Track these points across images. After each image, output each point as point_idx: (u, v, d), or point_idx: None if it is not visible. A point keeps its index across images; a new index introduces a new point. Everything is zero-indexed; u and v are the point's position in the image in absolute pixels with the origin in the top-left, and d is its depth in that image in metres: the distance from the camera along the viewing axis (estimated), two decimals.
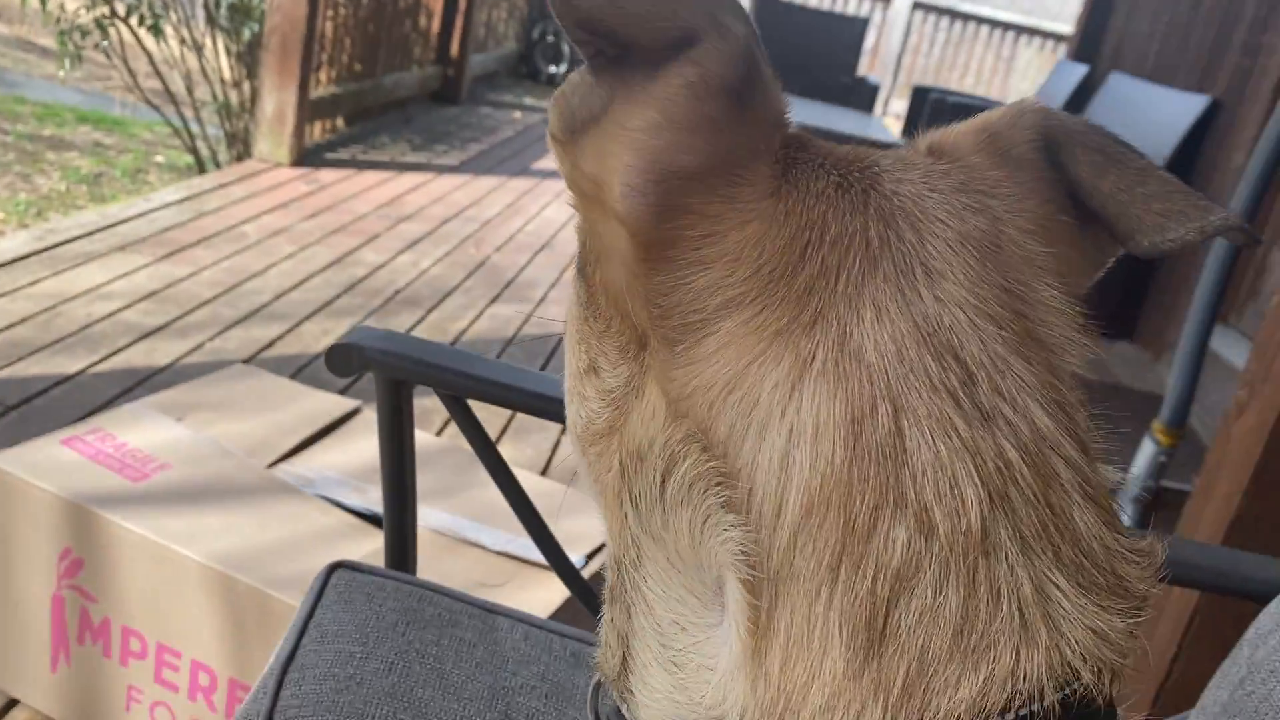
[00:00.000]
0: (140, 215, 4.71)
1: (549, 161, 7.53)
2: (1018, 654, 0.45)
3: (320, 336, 3.85)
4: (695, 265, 0.51)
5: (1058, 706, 0.45)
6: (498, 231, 5.58)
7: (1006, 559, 0.47)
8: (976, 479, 0.47)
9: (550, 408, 1.14)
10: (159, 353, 3.49)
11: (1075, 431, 0.52)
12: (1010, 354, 0.51)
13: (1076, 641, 0.47)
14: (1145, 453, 2.29)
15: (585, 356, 0.59)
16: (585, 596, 1.23)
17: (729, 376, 0.50)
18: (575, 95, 0.54)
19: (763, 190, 0.52)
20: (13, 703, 2.01)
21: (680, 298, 0.51)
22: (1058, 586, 0.47)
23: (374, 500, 1.91)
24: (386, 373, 1.13)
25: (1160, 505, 2.33)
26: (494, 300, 4.56)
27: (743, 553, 0.48)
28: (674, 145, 0.50)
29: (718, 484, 0.50)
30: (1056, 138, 0.64)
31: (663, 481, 0.52)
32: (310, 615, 1.11)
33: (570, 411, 0.62)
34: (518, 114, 9.19)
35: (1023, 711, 0.45)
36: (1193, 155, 5.21)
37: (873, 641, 0.45)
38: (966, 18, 12.90)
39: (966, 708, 0.45)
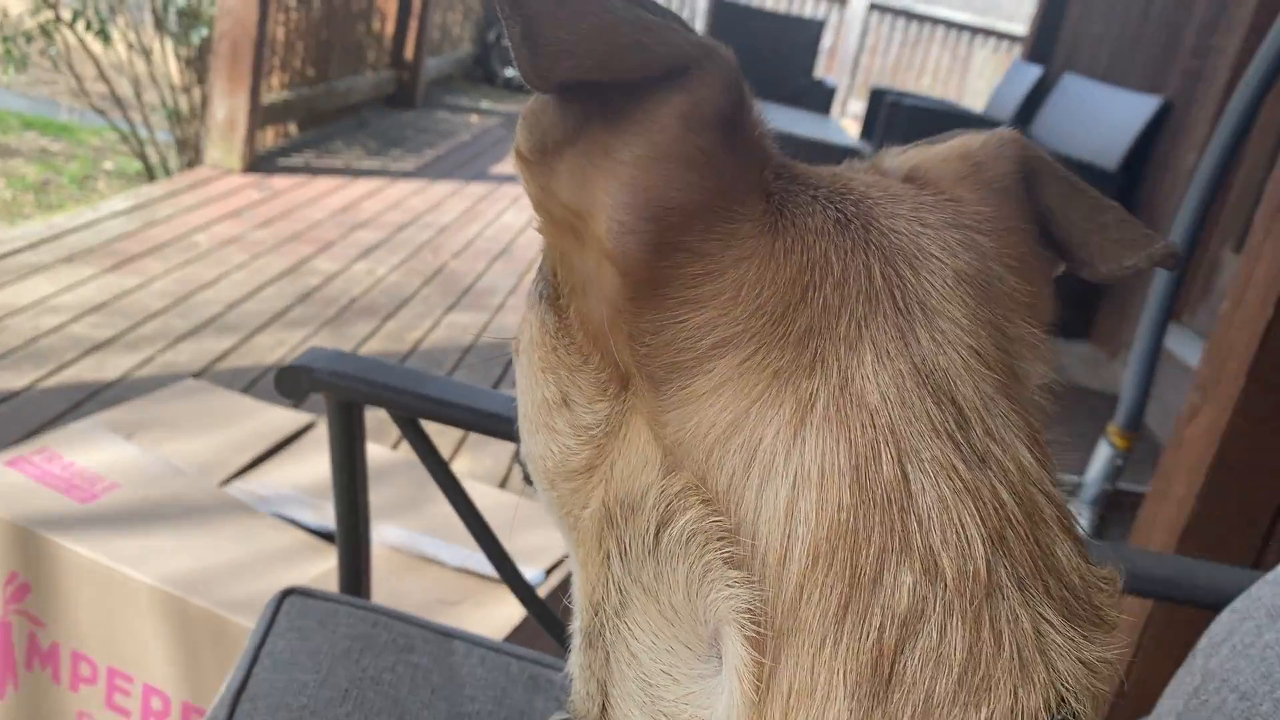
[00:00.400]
0: (88, 225, 4.63)
1: (506, 166, 7.50)
2: (1016, 693, 0.46)
3: (274, 348, 3.79)
4: (689, 304, 0.49)
5: None
6: (455, 238, 5.54)
7: (1006, 599, 0.47)
8: (979, 521, 0.47)
9: (503, 428, 1.12)
10: (108, 367, 3.43)
11: (1048, 464, 0.52)
12: (997, 394, 0.51)
13: (1069, 675, 0.47)
14: (1101, 456, 2.31)
15: (554, 388, 0.56)
16: (543, 617, 1.22)
17: (727, 421, 0.49)
18: (546, 114, 0.50)
19: (759, 226, 0.50)
20: None
21: (670, 337, 0.50)
22: (1050, 623, 0.48)
23: (330, 516, 1.88)
24: (337, 395, 1.11)
25: (1116, 508, 2.35)
26: (451, 308, 4.53)
27: (747, 610, 0.47)
28: (667, 180, 0.48)
29: (720, 539, 0.48)
30: (1033, 167, 0.65)
31: (657, 534, 0.50)
32: (262, 643, 1.08)
33: (534, 443, 0.59)
34: (474, 118, 9.15)
35: None
36: (1144, 155, 5.28)
37: (878, 689, 0.45)
38: (922, 19, 13.00)
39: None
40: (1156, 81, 5.45)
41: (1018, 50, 10.97)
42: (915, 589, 0.45)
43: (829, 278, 0.50)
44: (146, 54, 5.81)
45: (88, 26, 5.53)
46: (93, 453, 2.00)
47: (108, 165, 6.33)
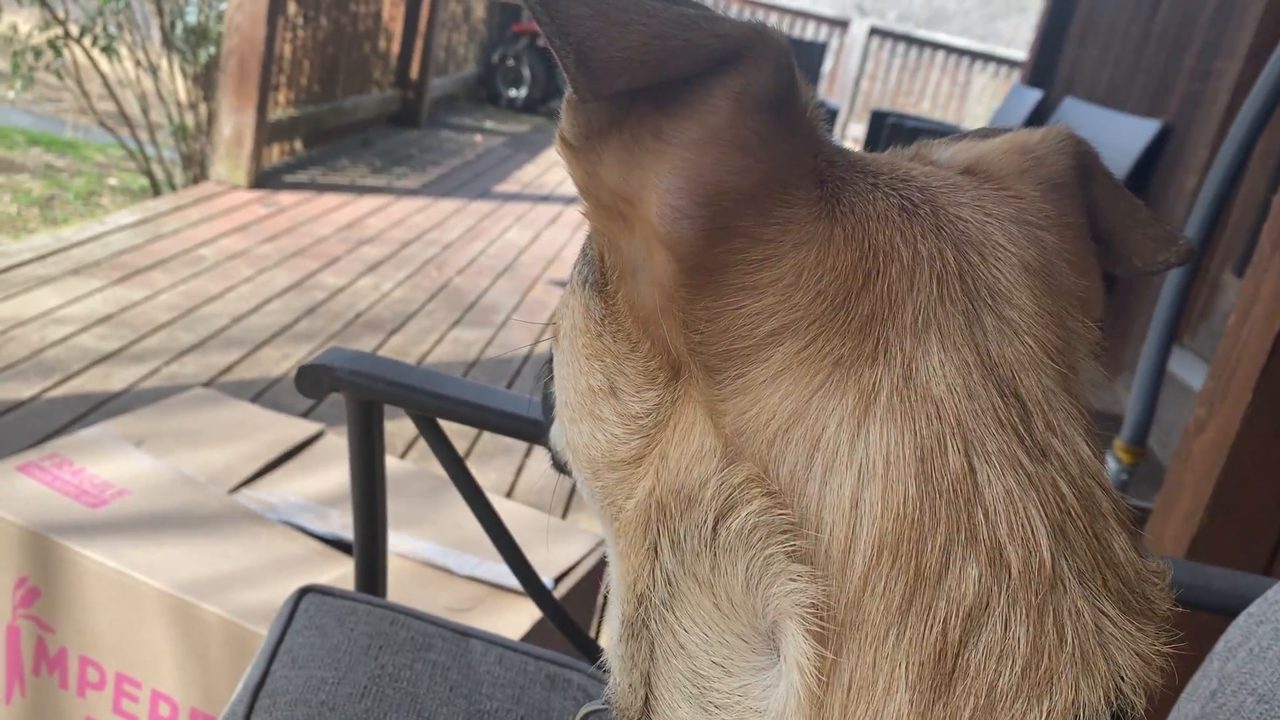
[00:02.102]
0: (94, 238, 4.65)
1: (510, 185, 7.53)
2: (1077, 686, 0.46)
3: (280, 361, 3.80)
4: (746, 290, 0.49)
5: None
6: (459, 254, 5.56)
7: (1069, 592, 0.47)
8: (1043, 514, 0.47)
9: (523, 427, 1.13)
10: (114, 378, 3.44)
11: (1101, 457, 0.53)
12: (1058, 387, 0.52)
13: (1127, 668, 0.48)
14: (1106, 471, 2.31)
15: (600, 376, 0.56)
16: (560, 620, 1.22)
17: (789, 411, 0.48)
18: None
19: (814, 211, 0.50)
20: None
21: (726, 324, 0.49)
22: (1108, 616, 0.48)
23: (338, 526, 1.89)
24: (357, 394, 1.12)
25: None
26: (456, 324, 4.54)
27: (811, 605, 0.47)
28: (721, 163, 0.47)
29: (783, 533, 0.48)
30: (1087, 164, 0.66)
31: (715, 526, 0.50)
32: (280, 640, 1.09)
33: (577, 431, 0.58)
34: (478, 137, 9.19)
35: None
36: (1145, 179, 5.30)
37: (940, 682, 0.45)
38: (923, 44, 13.09)
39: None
40: (1156, 105, 5.49)
41: (1016, 75, 11.05)
42: (980, 581, 0.46)
43: (894, 264, 0.49)
44: (154, 71, 5.85)
45: (95, 43, 5.56)
46: (103, 460, 2.00)
47: (112, 181, 6.35)
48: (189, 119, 5.97)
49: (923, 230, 0.51)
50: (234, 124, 5.74)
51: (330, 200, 6.02)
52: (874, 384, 0.48)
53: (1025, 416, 0.49)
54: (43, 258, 4.29)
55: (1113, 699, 0.47)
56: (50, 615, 1.81)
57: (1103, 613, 0.48)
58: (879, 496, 0.46)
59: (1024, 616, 0.46)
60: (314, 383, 1.10)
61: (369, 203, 6.17)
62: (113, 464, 1.99)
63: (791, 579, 0.47)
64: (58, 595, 1.79)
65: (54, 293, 3.97)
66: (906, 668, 0.45)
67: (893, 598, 0.46)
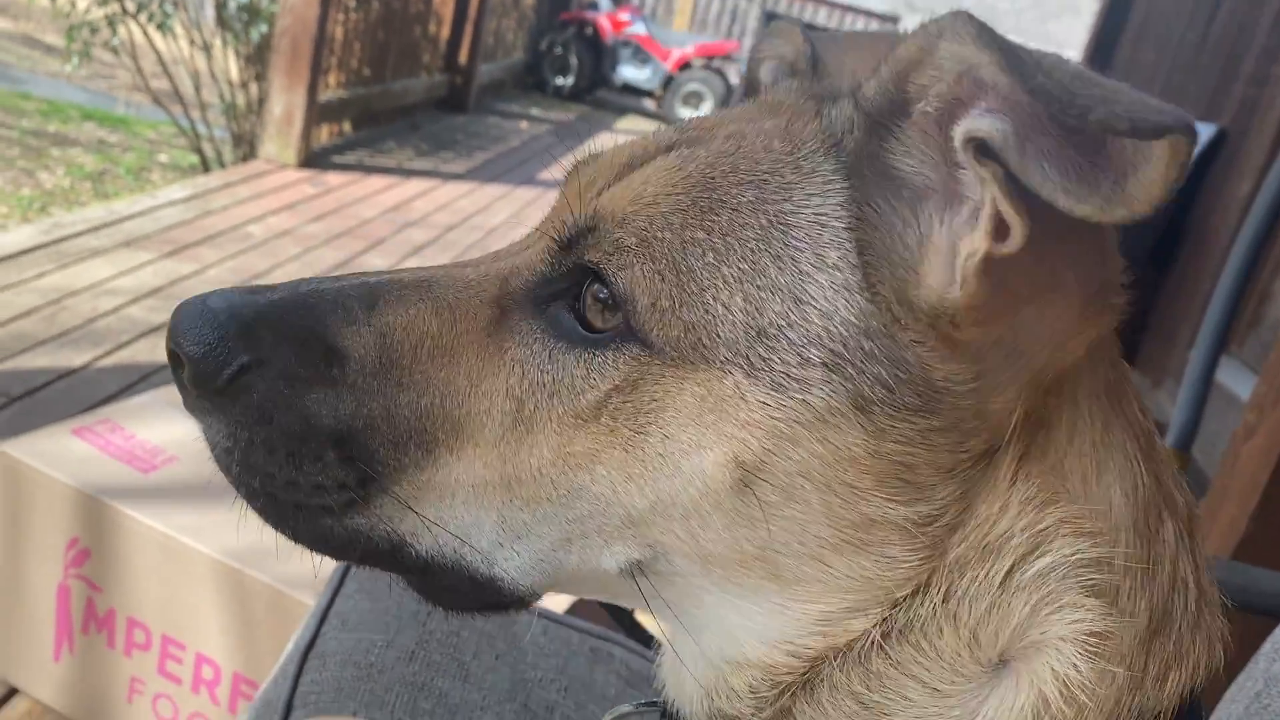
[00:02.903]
0: (145, 212, 4.72)
1: (554, 172, 7.54)
2: (1211, 643, 0.68)
3: None
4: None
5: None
6: (502, 240, 5.56)
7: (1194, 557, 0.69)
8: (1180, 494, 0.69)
9: None
10: (162, 349, 3.46)
11: None
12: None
13: (1219, 637, 0.68)
14: None
15: (878, 501, 0.64)
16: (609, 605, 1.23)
17: (1099, 460, 0.66)
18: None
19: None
20: (12, 692, 2.00)
21: (1090, 386, 0.67)
22: (1205, 592, 0.69)
23: None
24: None
25: None
26: None
27: (1093, 634, 0.63)
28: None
29: (1085, 567, 0.63)
30: None
31: (1009, 571, 0.63)
32: (331, 603, 1.11)
33: (812, 569, 0.66)
34: (524, 124, 9.22)
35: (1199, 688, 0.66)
36: (1198, 183, 5.23)
37: (1155, 630, 0.65)
38: None
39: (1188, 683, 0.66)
40: (1212, 111, 5.41)
41: None
42: (1178, 540, 0.67)
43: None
44: (207, 49, 5.92)
45: (150, 19, 5.63)
46: (153, 426, 2.04)
47: (162, 158, 6.44)
48: (240, 98, 6.04)
49: None
50: (284, 103, 5.80)
51: (377, 182, 6.07)
52: (1124, 434, 0.67)
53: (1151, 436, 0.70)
54: (95, 230, 4.36)
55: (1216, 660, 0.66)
56: (100, 576, 1.84)
57: (1208, 584, 0.69)
58: (1171, 534, 0.67)
59: (1189, 562, 0.68)
60: None
61: (415, 186, 6.22)
62: (163, 431, 2.02)
63: (1077, 609, 0.63)
64: (108, 557, 1.82)
65: (106, 264, 4.04)
66: (1134, 636, 0.64)
67: (1140, 627, 0.64)
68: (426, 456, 0.69)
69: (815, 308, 0.64)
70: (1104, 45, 7.63)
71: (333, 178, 5.91)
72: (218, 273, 4.22)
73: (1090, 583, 0.63)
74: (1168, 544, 0.67)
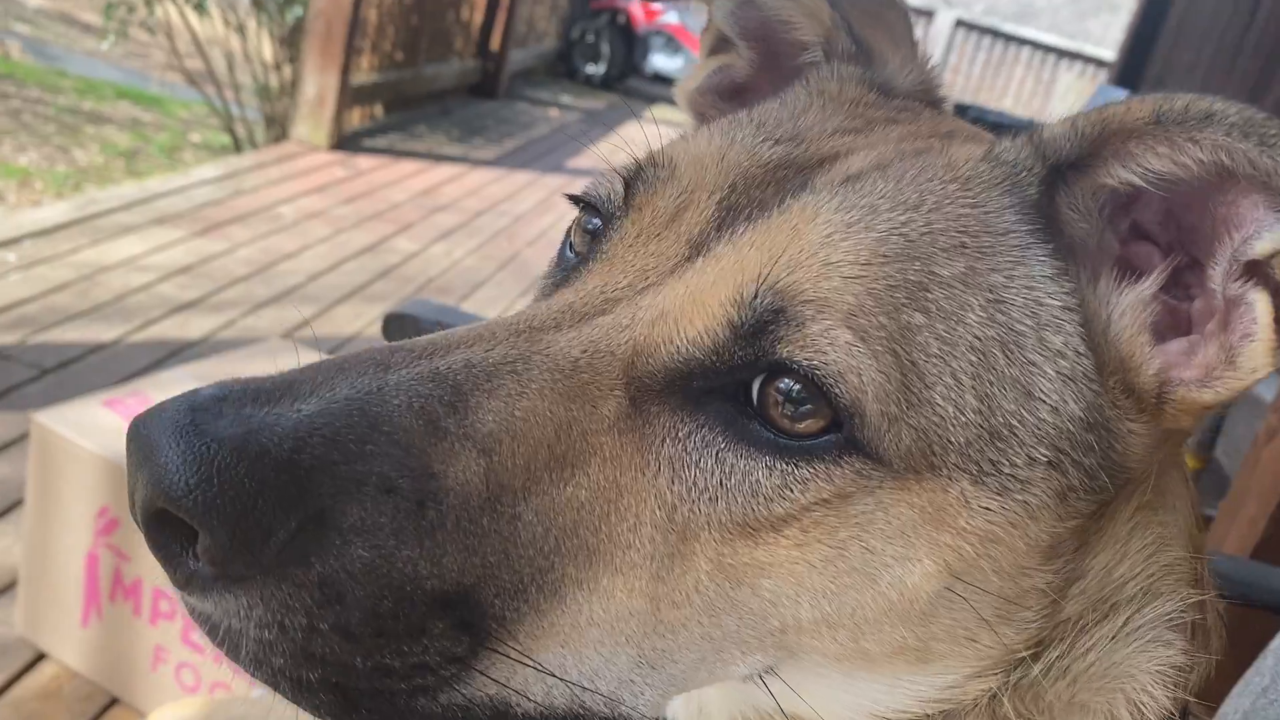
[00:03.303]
0: (178, 191, 4.77)
1: (583, 160, 7.58)
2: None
3: (352, 320, 3.88)
4: None
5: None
6: (530, 226, 5.61)
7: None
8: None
9: None
10: (192, 326, 3.54)
11: None
12: None
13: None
14: None
15: (1019, 588, 0.61)
16: None
17: (1189, 495, 0.68)
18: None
19: None
20: (40, 656, 2.05)
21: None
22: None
23: None
24: None
25: None
26: (524, 293, 4.59)
27: (1174, 667, 0.63)
28: None
29: (1180, 611, 0.64)
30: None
31: (1126, 621, 0.63)
32: None
33: (945, 657, 0.63)
34: (555, 111, 9.24)
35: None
36: None
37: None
38: (1009, 38, 12.88)
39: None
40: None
41: (1104, 75, 10.84)
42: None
43: None
44: (241, 30, 5.96)
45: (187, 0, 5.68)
46: None
47: (195, 137, 6.49)
48: (273, 79, 6.08)
49: None
50: (317, 86, 5.84)
51: (407, 166, 6.11)
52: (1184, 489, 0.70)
53: None
54: (128, 207, 4.41)
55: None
56: (128, 545, 1.88)
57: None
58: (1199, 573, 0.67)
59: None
60: (399, 328, 1.14)
61: (445, 171, 6.25)
62: None
63: (1169, 646, 0.63)
64: (136, 527, 1.85)
65: (138, 241, 4.09)
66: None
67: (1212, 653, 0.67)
68: (550, 599, 0.55)
69: (1046, 402, 0.58)
70: (1141, 43, 7.55)
71: (363, 161, 5.95)
72: (248, 252, 4.26)
73: (1183, 622, 0.64)
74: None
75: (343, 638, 0.50)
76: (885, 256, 0.58)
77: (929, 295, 0.58)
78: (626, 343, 0.59)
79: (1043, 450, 0.58)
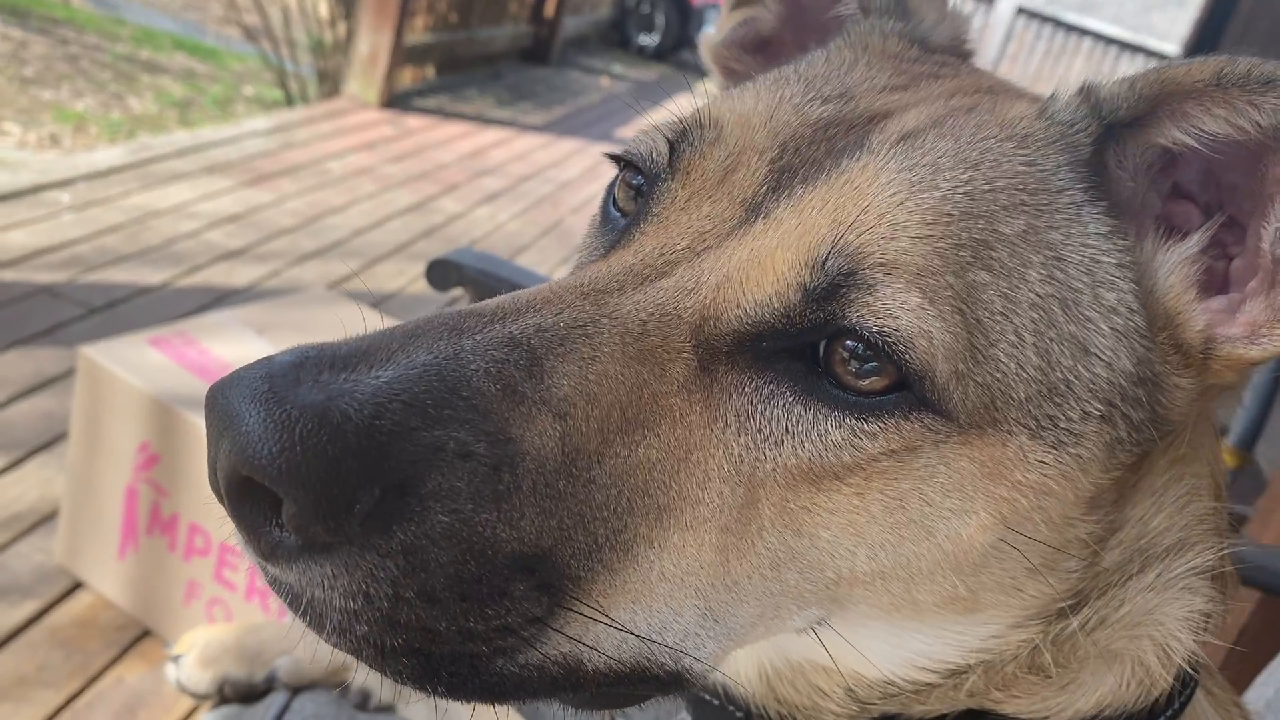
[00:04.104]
0: (230, 141, 4.81)
1: (631, 130, 7.53)
2: None
3: (394, 277, 3.91)
4: None
5: None
6: (575, 194, 5.62)
7: None
8: None
9: None
10: (238, 274, 3.58)
11: None
12: None
13: None
14: None
15: (1064, 538, 0.62)
16: None
17: (1215, 446, 0.68)
18: None
19: None
20: (77, 585, 2.09)
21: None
22: None
23: None
24: (480, 291, 1.16)
25: None
26: (565, 260, 4.60)
27: (1204, 613, 0.64)
28: None
29: (1217, 562, 0.65)
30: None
31: (1162, 566, 0.64)
32: None
33: (1004, 613, 0.65)
34: (605, 80, 9.21)
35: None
36: None
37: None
38: (1070, 28, 12.67)
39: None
40: None
41: None
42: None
43: None
44: None
45: None
46: (227, 343, 2.10)
47: (248, 91, 6.54)
48: (327, 35, 6.11)
49: None
50: (371, 44, 5.86)
51: (456, 128, 6.12)
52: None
53: None
54: (181, 154, 4.46)
55: None
56: (167, 481, 1.91)
57: None
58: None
59: None
60: (443, 275, 1.16)
61: (493, 134, 6.26)
62: (235, 348, 2.08)
63: (1197, 594, 0.64)
64: (175, 463, 1.89)
65: (188, 188, 4.14)
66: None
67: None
68: (623, 557, 0.56)
69: (1100, 358, 0.59)
70: (1206, 40, 7.40)
71: (413, 120, 5.97)
72: (295, 204, 4.30)
73: (1211, 571, 0.65)
74: None
75: (427, 603, 0.51)
76: (950, 215, 0.58)
77: (993, 253, 0.58)
78: (693, 306, 0.59)
79: (1096, 404, 0.59)
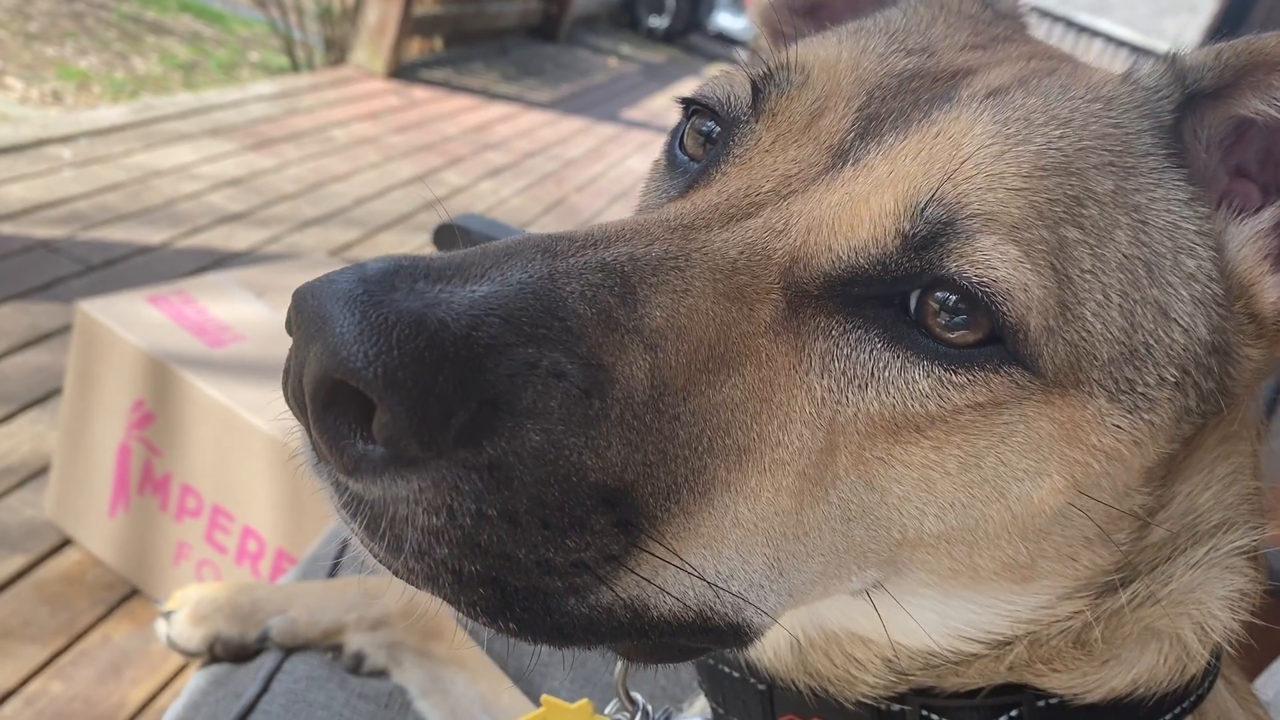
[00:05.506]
0: (234, 104, 4.77)
1: (637, 112, 7.52)
2: None
3: (396, 247, 3.88)
4: None
5: None
6: (580, 172, 5.59)
7: None
8: None
9: None
10: (238, 238, 3.55)
11: None
12: None
13: None
14: None
15: (1121, 508, 0.62)
16: None
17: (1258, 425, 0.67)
18: None
19: None
20: (66, 542, 2.08)
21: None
22: None
23: None
24: None
25: None
26: None
27: (1242, 594, 0.64)
28: None
29: (1250, 542, 0.65)
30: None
31: (1209, 546, 0.64)
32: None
33: (1065, 577, 0.65)
34: (613, 60, 9.17)
35: None
36: None
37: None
38: (1081, 29, 12.63)
39: None
40: None
41: None
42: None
43: None
44: None
45: None
46: (225, 303, 2.08)
47: (253, 56, 6.50)
48: (335, 3, 6.07)
49: None
50: (379, 13, 5.82)
51: (461, 101, 6.09)
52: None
53: None
54: (184, 115, 4.42)
55: None
56: (161, 440, 1.90)
57: None
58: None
59: None
60: (449, 239, 1.14)
61: (498, 109, 6.23)
62: (234, 309, 2.07)
63: (1237, 574, 0.64)
64: (170, 422, 1.87)
65: (191, 150, 4.10)
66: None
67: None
68: (699, 500, 0.55)
69: (1179, 324, 0.59)
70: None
71: (418, 92, 5.94)
72: (298, 171, 4.27)
73: (1252, 551, 0.65)
74: None
75: (510, 524, 0.49)
76: (1045, 169, 0.58)
77: (1084, 211, 0.58)
78: (783, 248, 0.58)
79: (1172, 371, 0.59)
